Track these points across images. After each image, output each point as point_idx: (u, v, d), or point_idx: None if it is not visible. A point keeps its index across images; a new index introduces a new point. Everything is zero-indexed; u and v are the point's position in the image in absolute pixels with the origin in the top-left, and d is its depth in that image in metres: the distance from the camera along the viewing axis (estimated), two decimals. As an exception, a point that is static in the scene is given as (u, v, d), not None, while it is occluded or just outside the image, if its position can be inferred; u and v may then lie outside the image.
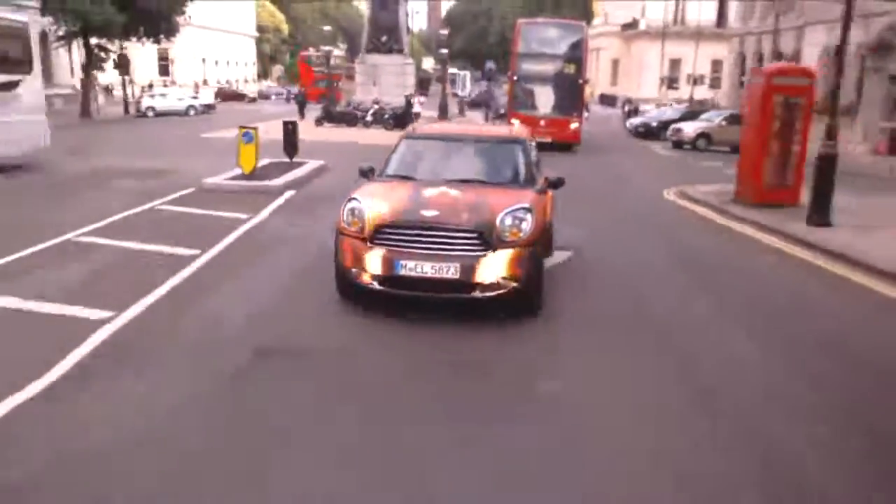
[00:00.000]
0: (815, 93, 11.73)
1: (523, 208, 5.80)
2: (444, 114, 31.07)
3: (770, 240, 9.49)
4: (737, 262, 8.55)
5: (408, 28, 37.87)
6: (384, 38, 31.44)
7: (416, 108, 28.30)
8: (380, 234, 5.65)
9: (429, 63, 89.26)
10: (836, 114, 9.65)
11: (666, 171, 18.11)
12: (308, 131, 22.57)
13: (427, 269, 5.46)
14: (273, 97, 56.29)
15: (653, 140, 26.79)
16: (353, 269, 5.73)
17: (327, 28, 70.64)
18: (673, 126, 25.41)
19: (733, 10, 46.14)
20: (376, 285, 5.64)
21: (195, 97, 40.26)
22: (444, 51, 37.76)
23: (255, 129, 11.97)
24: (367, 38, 32.21)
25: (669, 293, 6.93)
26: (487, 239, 5.54)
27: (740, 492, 3.49)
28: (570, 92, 22.42)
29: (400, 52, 31.84)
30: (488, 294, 5.54)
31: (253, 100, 54.13)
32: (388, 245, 5.60)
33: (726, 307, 6.53)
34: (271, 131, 16.53)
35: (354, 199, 6.00)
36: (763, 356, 5.35)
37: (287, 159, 14.09)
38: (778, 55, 31.77)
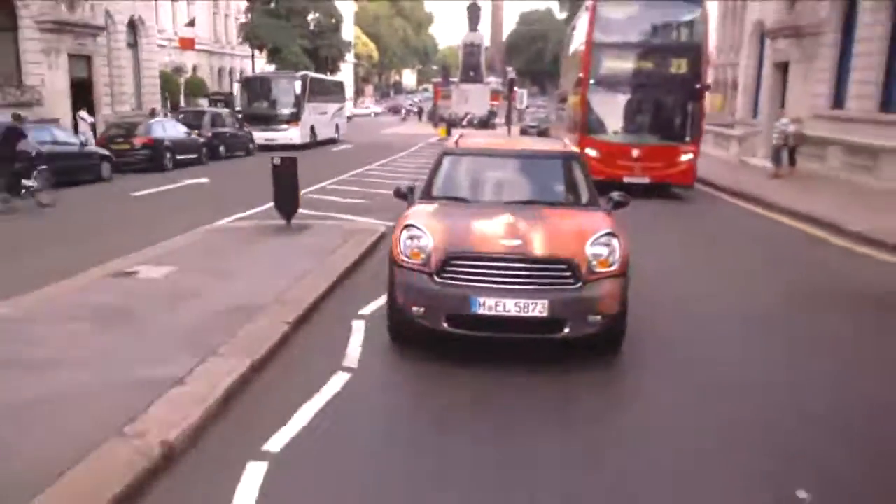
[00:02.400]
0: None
1: (608, 233, 5.28)
2: (509, 122, 52.39)
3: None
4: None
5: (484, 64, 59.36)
6: (471, 74, 53.04)
7: (496, 120, 49.48)
8: (450, 266, 5.07)
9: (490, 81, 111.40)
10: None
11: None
12: (430, 128, 44.03)
13: (511, 307, 4.91)
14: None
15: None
16: (416, 308, 5.13)
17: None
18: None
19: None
20: (447, 326, 5.08)
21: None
22: (512, 76, 58.85)
23: (444, 127, 33.75)
24: (460, 73, 53.96)
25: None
26: (577, 271, 5.02)
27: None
28: (681, 104, 15.56)
29: (480, 82, 53.34)
30: (580, 333, 5.07)
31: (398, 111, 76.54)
32: (462, 279, 5.06)
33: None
34: (409, 130, 38.05)
35: (412, 225, 5.36)
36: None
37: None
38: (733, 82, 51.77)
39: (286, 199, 9.85)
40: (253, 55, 49.35)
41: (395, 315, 5.42)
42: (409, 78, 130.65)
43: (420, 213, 5.72)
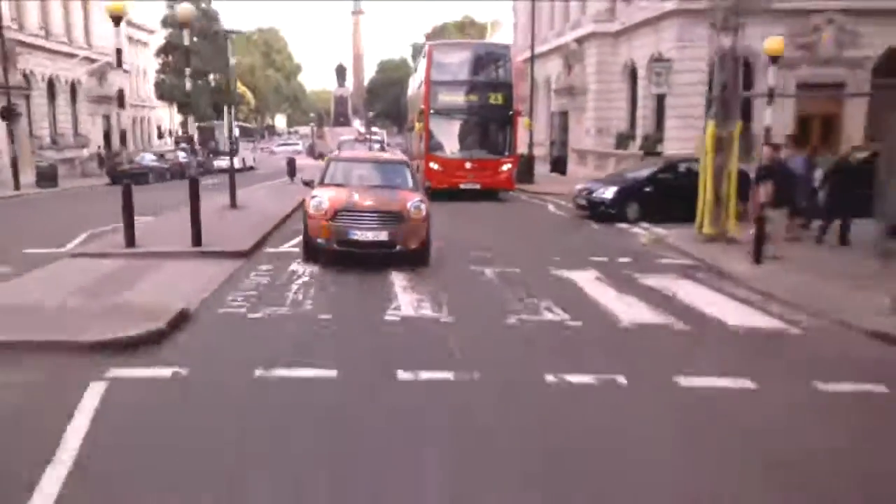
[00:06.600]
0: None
1: (420, 200, 11.17)
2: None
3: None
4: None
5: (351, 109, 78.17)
6: (341, 119, 72.20)
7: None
8: (338, 215, 10.71)
9: (355, 124, 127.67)
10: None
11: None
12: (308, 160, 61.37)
13: (369, 235, 10.67)
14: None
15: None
16: (318, 239, 10.84)
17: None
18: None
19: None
20: (336, 246, 10.78)
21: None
22: (373, 128, 77.60)
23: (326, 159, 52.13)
24: (332, 119, 73.03)
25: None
26: (402, 218, 10.73)
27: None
28: (499, 128, 23.04)
29: (348, 125, 72.35)
30: (404, 249, 10.83)
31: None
32: (343, 222, 10.69)
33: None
34: (298, 161, 56.14)
35: (317, 196, 11.11)
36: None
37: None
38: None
39: (292, 170, 28.97)
40: (169, 107, 65.31)
41: (308, 243, 11.28)
42: (280, 121, 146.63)
43: (321, 190, 11.61)
